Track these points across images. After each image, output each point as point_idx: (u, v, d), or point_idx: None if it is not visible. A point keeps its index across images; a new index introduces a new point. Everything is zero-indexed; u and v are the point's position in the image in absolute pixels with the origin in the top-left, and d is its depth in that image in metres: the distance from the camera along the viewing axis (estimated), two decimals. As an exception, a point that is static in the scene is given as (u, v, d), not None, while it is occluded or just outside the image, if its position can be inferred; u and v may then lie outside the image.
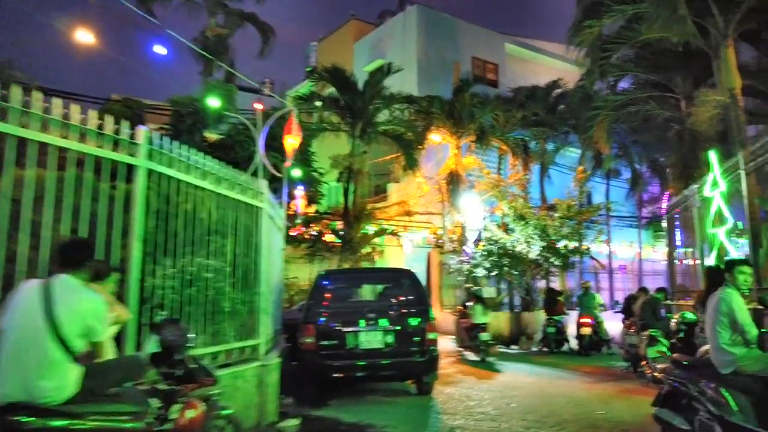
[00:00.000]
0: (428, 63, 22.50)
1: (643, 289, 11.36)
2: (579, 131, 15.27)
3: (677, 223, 10.96)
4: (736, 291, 4.94)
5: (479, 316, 12.90)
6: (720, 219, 7.90)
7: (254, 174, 7.02)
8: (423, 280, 20.45)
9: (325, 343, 7.79)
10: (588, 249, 17.52)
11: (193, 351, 5.29)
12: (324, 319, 7.93)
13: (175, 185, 5.26)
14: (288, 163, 7.92)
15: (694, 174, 11.03)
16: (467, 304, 13.91)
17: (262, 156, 7.26)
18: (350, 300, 8.84)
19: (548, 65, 25.73)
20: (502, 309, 18.45)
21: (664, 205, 30.63)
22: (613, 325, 15.54)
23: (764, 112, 13.36)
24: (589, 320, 13.29)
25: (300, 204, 11.71)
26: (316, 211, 16.29)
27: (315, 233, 15.07)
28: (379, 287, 9.23)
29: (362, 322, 7.86)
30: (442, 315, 18.11)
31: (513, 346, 16.98)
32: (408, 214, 19.72)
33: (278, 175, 8.02)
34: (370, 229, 16.79)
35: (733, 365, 4.79)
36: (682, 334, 7.21)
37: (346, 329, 7.82)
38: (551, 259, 17.20)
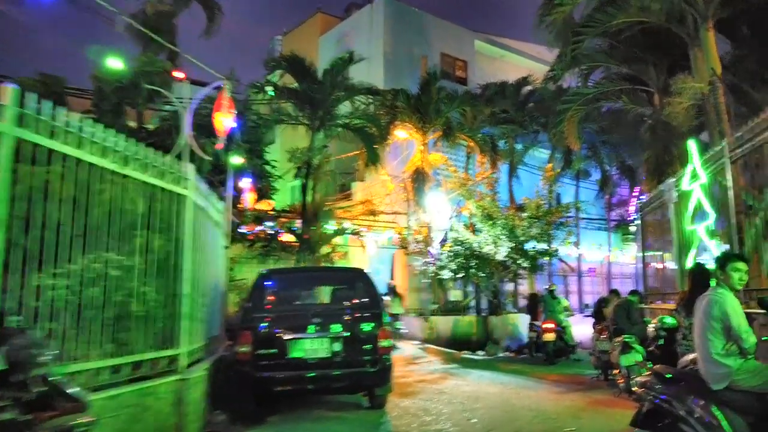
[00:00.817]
0: (395, 57, 21.71)
1: (614, 292, 10.71)
2: (549, 128, 14.61)
3: (651, 221, 10.33)
4: (729, 291, 4.19)
5: (396, 307, 15.63)
6: (700, 214, 7.23)
7: (179, 157, 6.03)
8: (384, 282, 19.65)
9: (262, 352, 6.84)
10: (557, 251, 16.91)
11: (73, 366, 4.34)
12: (262, 324, 6.99)
13: (60, 162, 4.29)
14: (220, 145, 6.99)
15: (668, 170, 10.44)
16: (385, 297, 14.45)
17: (188, 136, 6.29)
18: (294, 303, 7.90)
19: (518, 64, 25.21)
20: (468, 313, 17.74)
21: (632, 208, 30.57)
22: (583, 329, 14.96)
23: (737, 111, 12.89)
24: (552, 326, 12.56)
25: (248, 198, 10.72)
26: (273, 209, 15.31)
27: (270, 231, 14.08)
28: (328, 289, 8.31)
29: (307, 329, 6.94)
30: (407, 320, 17.29)
31: (479, 352, 16.25)
32: (372, 213, 18.86)
33: (206, 157, 7.08)
34: (332, 228, 15.86)
35: (727, 379, 4.03)
36: (661, 342, 6.48)
37: (287, 336, 6.89)
38: (519, 261, 16.54)
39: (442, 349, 15.41)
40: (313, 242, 14.20)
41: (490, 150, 17.85)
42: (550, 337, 12.45)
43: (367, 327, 7.20)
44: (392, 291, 16.48)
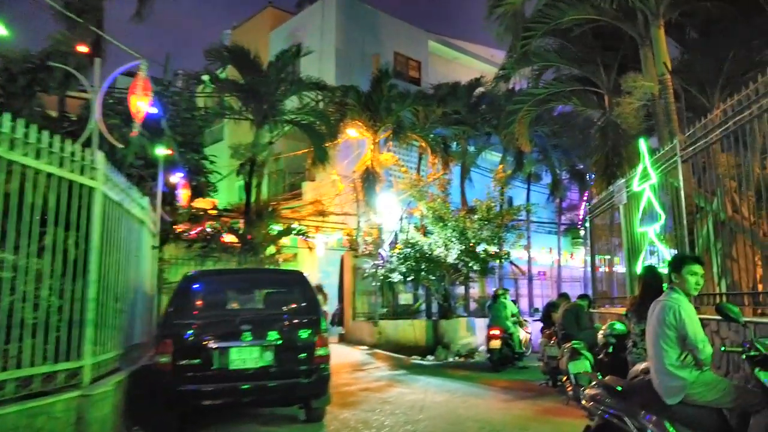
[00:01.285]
0: (348, 55, 21.21)
1: (563, 296, 10.49)
2: (500, 129, 14.39)
3: (600, 224, 10.15)
4: (685, 297, 3.86)
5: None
6: (650, 216, 7.00)
7: (87, 144, 5.33)
8: (335, 286, 19.12)
9: (185, 362, 6.19)
10: (508, 254, 16.75)
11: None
12: (186, 332, 6.34)
13: None
14: (134, 132, 6.31)
15: (618, 173, 10.30)
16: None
17: (97, 120, 5.59)
18: (223, 308, 7.25)
19: (472, 67, 25.11)
20: (419, 316, 17.37)
21: (581, 212, 31.02)
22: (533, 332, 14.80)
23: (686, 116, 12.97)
24: (498, 332, 12.00)
25: (182, 195, 9.98)
26: (216, 207, 14.53)
27: (211, 231, 13.30)
28: (261, 292, 7.69)
29: (236, 336, 6.33)
30: (355, 324, 16.79)
31: (429, 357, 15.89)
32: (322, 214, 18.27)
33: (118, 144, 6.37)
34: (278, 229, 15.20)
35: (682, 393, 3.69)
36: (611, 349, 6.19)
37: (213, 345, 6.25)
38: (470, 264, 16.27)
39: (391, 354, 14.98)
40: (257, 243, 13.51)
41: (442, 151, 17.55)
42: (495, 344, 11.90)
43: (303, 334, 6.67)
44: (320, 290, 15.98)
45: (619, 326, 6.18)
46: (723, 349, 3.66)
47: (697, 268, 3.88)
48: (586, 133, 22.85)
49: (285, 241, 18.60)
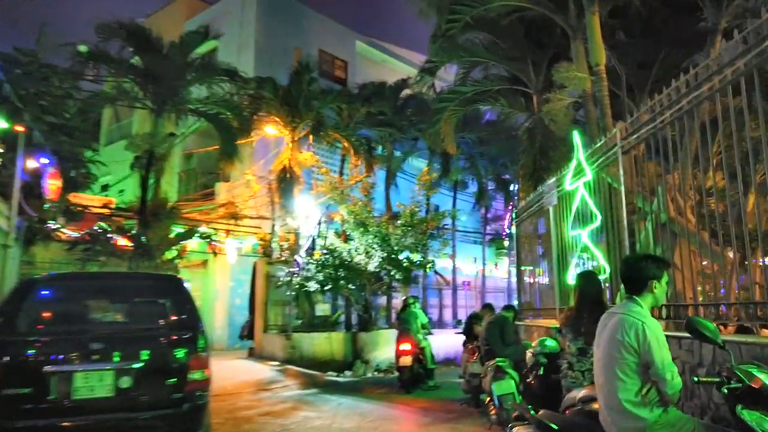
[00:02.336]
0: (269, 49, 19.88)
1: (487, 306, 9.64)
2: (425, 129, 13.54)
3: (527, 229, 9.43)
4: (647, 310, 2.97)
5: None
6: (583, 218, 6.24)
7: None
8: (247, 295, 17.62)
9: (10, 392, 4.75)
10: (432, 262, 15.96)
11: None
12: (13, 352, 4.90)
13: None
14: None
15: (545, 177, 9.63)
16: None
17: None
18: (69, 322, 5.78)
19: (400, 70, 24.35)
20: (338, 329, 16.20)
21: (507, 222, 31.02)
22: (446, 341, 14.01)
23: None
24: (409, 346, 10.57)
25: (49, 186, 8.38)
26: (105, 206, 12.79)
27: (98, 231, 11.60)
28: (124, 303, 6.26)
29: (82, 358, 4.95)
30: (267, 338, 15.39)
31: (347, 372, 14.75)
32: (234, 217, 16.77)
33: None
34: (179, 231, 13.61)
35: (640, 437, 2.77)
36: (541, 370, 5.31)
37: (51, 369, 4.84)
38: (393, 272, 15.32)
39: (304, 370, 13.70)
40: (152, 246, 11.91)
41: (366, 152, 16.56)
42: (406, 360, 10.44)
43: (173, 354, 5.36)
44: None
45: (551, 343, 5.32)
46: (696, 380, 2.77)
47: (666, 274, 3.02)
48: (512, 141, 22.72)
49: (192, 245, 16.96)
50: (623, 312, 2.94)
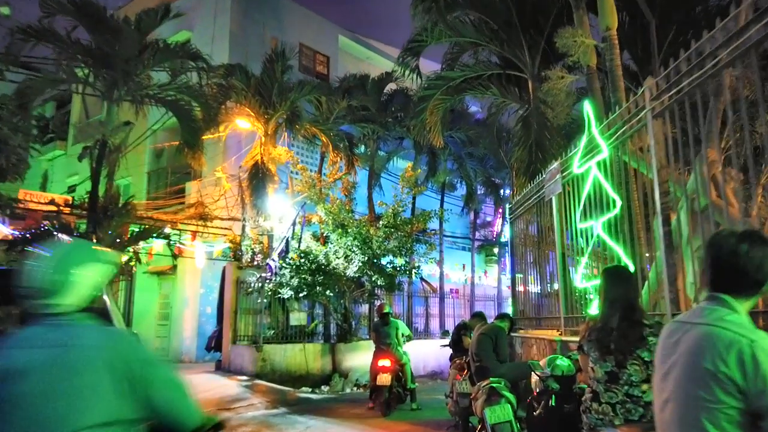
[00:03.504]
0: (245, 40, 18.65)
1: (478, 315, 8.41)
2: (409, 119, 12.31)
3: (523, 227, 8.26)
4: (748, 320, 1.78)
5: None
6: (595, 206, 5.08)
7: None
8: (215, 302, 16.30)
9: None
10: (418, 267, 14.75)
11: None
12: None
13: None
14: None
15: (542, 170, 8.50)
16: None
17: None
18: None
19: (384, 68, 23.21)
20: (315, 339, 14.92)
21: (497, 227, 29.93)
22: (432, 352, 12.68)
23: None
24: (389, 362, 9.34)
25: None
26: (51, 201, 11.46)
27: (37, 230, 10.26)
28: None
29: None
30: (236, 349, 14.06)
31: (323, 387, 13.52)
32: (203, 218, 15.46)
33: None
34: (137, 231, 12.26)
35: None
36: (552, 400, 4.06)
37: None
38: (374, 278, 14.10)
39: (275, 386, 12.41)
40: (105, 247, 10.58)
41: (347, 149, 15.35)
42: (385, 379, 9.15)
43: None
44: None
45: (563, 363, 4.10)
46: None
47: None
48: (501, 142, 21.65)
49: (157, 248, 15.62)
50: (711, 322, 1.74)
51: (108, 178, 11.17)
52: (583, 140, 5.30)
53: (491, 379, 5.57)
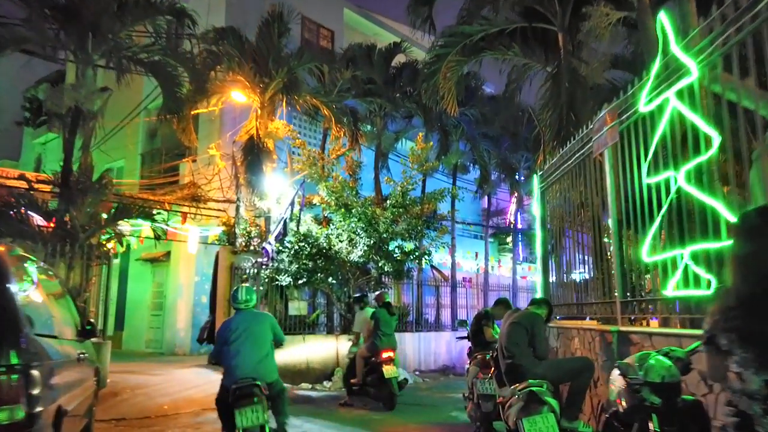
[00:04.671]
0: (242, 9, 17.34)
1: (503, 303, 7.13)
2: (419, 82, 10.92)
3: (557, 193, 6.94)
4: None
5: None
6: (674, 151, 3.77)
7: None
8: (208, 290, 15.13)
9: None
10: (429, 253, 13.44)
11: None
12: None
13: None
14: None
15: (575, 133, 7.20)
16: None
17: None
18: None
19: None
20: (318, 331, 13.71)
21: (511, 214, 28.56)
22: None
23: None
24: (392, 354, 8.91)
25: None
26: (21, 177, 10.29)
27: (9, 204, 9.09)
28: None
29: None
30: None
31: (326, 383, 12.30)
32: (196, 199, 14.27)
33: None
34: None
35: None
36: (654, 422, 2.70)
37: None
38: (381, 264, 12.84)
39: (271, 382, 11.21)
40: (76, 227, 9.40)
41: (351, 123, 14.06)
42: (391, 371, 8.66)
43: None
44: None
45: (661, 364, 2.73)
46: None
47: None
48: (517, 124, 20.26)
49: (146, 231, 14.42)
50: None
51: (83, 149, 9.96)
52: (655, 66, 3.99)
53: (530, 381, 4.30)
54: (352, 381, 9.46)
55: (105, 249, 10.18)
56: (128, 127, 18.90)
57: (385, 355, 8.76)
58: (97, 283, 10.31)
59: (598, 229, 5.40)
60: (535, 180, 7.45)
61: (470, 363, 6.74)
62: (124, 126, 15.86)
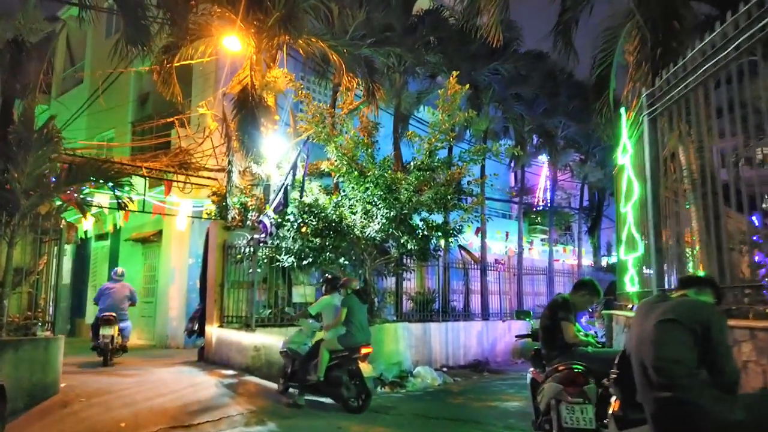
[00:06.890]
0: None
1: (587, 286, 4.87)
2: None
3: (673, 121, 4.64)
4: None
5: None
6: None
7: None
8: (197, 272, 13.10)
9: None
10: (461, 228, 11.16)
11: None
12: None
13: None
14: None
15: (673, 61, 4.94)
16: None
17: None
18: None
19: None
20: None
21: (540, 192, 26.09)
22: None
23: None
24: (371, 350, 8.17)
25: None
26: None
27: None
28: None
29: None
30: (224, 335, 10.76)
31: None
32: (184, 166, 12.16)
33: None
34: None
35: None
36: None
37: None
38: (404, 241, 10.60)
39: (268, 384, 9.05)
40: (19, 193, 7.33)
41: (366, 74, 11.77)
42: (370, 369, 7.80)
43: None
44: None
45: None
46: None
47: None
48: (555, 83, 17.79)
49: (131, 205, 12.33)
50: None
51: (28, 94, 7.86)
52: None
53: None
54: (308, 377, 8.02)
55: (56, 221, 8.07)
56: (118, 94, 16.92)
57: (364, 351, 7.79)
58: (50, 261, 8.27)
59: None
60: (643, 102, 5.06)
61: (546, 379, 4.44)
62: (110, 85, 13.76)
